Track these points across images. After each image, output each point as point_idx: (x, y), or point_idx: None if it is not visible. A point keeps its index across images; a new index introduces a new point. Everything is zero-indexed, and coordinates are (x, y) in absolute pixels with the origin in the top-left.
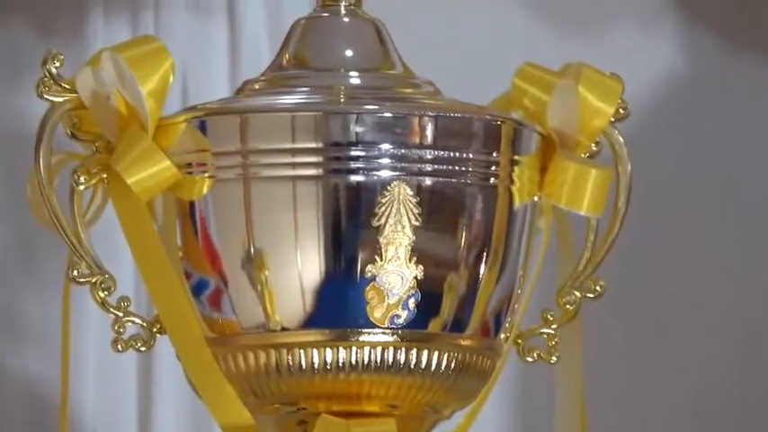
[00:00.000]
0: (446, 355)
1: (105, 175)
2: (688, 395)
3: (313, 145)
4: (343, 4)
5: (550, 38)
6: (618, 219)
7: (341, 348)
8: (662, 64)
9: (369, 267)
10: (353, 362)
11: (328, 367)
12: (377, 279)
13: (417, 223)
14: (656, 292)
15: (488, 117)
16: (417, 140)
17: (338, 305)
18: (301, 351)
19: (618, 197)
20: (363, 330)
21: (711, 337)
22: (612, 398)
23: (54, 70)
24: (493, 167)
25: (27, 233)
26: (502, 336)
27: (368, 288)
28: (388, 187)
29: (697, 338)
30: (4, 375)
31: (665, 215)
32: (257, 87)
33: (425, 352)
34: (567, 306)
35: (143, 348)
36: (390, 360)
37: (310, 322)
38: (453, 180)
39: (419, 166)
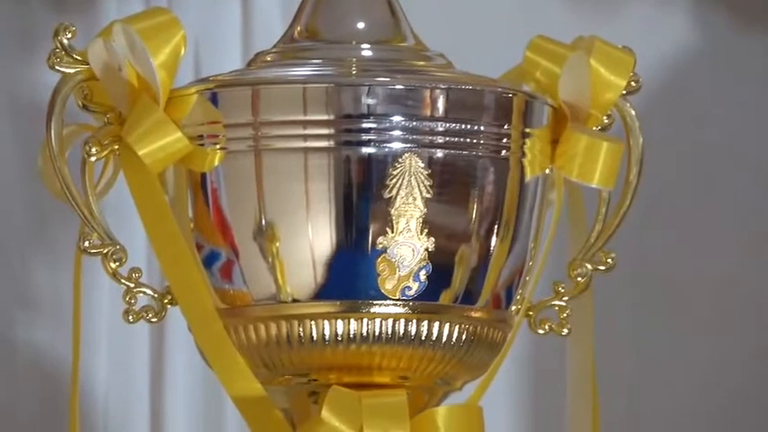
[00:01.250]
0: (457, 326)
1: (116, 147)
2: (698, 373)
3: (324, 117)
4: None
5: (566, 14)
6: (629, 192)
7: (352, 320)
8: (675, 40)
9: (380, 239)
10: (364, 333)
11: (339, 339)
12: (388, 251)
13: (429, 195)
14: (669, 267)
15: (500, 90)
16: (429, 113)
17: (349, 277)
18: (312, 322)
19: (629, 170)
20: (374, 302)
21: (723, 315)
22: (623, 372)
23: (66, 41)
24: (504, 140)
25: (39, 204)
26: (513, 308)
27: (379, 260)
28: (400, 159)
29: (709, 315)
30: (15, 346)
31: (676, 189)
32: (269, 59)
33: (436, 324)
34: (579, 278)
35: (154, 319)
36: (401, 332)
37: (321, 294)
38: (465, 152)
39: (430, 138)
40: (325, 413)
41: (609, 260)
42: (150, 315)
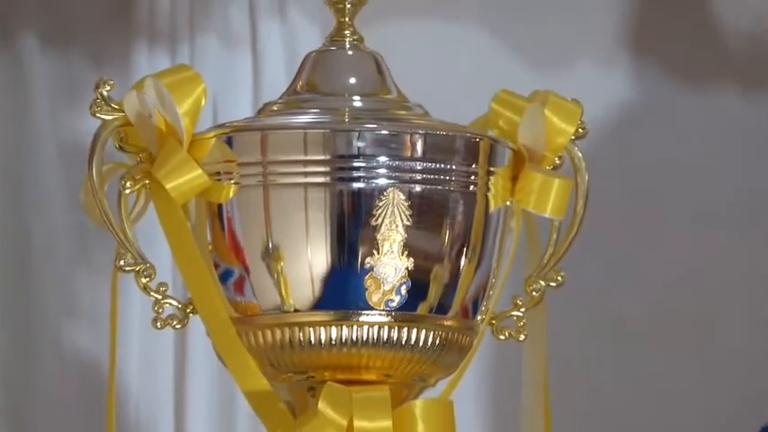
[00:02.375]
0: (432, 333)
1: (147, 182)
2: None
3: (321, 157)
4: (348, 39)
5: (523, 72)
6: (577, 220)
7: (344, 327)
8: (615, 93)
9: (368, 259)
10: (354, 338)
11: (333, 343)
12: (374, 269)
13: (408, 223)
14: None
15: (469, 135)
16: (409, 154)
17: (342, 291)
18: (311, 329)
19: (577, 202)
20: (363, 312)
21: (670, 332)
22: (574, 374)
23: (105, 93)
24: (472, 177)
25: (82, 230)
26: (479, 317)
27: (367, 277)
28: (384, 193)
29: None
30: (62, 349)
31: (614, 219)
32: (275, 108)
33: (414, 330)
34: (534, 293)
35: (178, 326)
36: (385, 337)
37: (318, 305)
38: (439, 187)
39: (410, 175)
40: (321, 405)
41: (559, 278)
42: (175, 322)
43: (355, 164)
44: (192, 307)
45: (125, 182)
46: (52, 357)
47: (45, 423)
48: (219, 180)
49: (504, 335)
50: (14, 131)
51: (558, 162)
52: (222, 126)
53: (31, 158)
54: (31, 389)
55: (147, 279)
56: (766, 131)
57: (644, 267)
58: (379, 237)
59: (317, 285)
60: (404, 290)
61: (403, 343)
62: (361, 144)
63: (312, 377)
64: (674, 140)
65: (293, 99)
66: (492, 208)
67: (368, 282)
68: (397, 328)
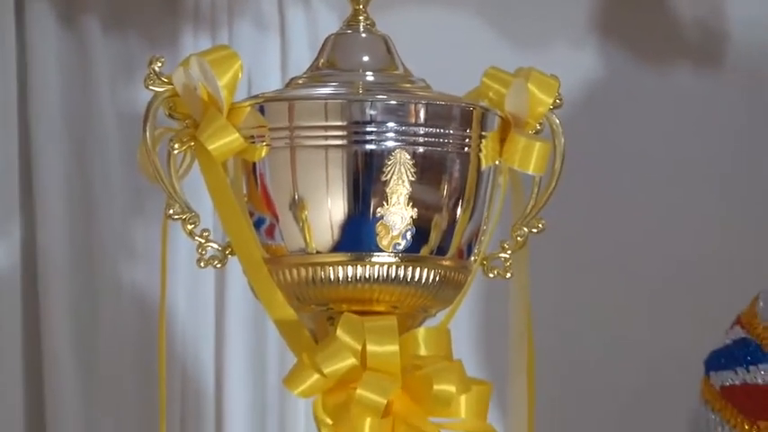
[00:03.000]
0: (432, 271)
1: (192, 144)
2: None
3: (340, 123)
4: (362, 24)
5: (508, 52)
6: (555, 176)
7: (358, 266)
8: (586, 71)
9: (378, 209)
10: (367, 276)
11: (349, 280)
12: (384, 218)
13: (413, 179)
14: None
15: (464, 104)
16: (413, 120)
17: (356, 236)
18: (330, 268)
19: (555, 161)
20: (374, 254)
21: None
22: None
23: (157, 69)
24: (466, 140)
25: (138, 185)
26: (472, 258)
27: (378, 224)
28: (393, 153)
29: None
30: (121, 285)
31: (586, 176)
32: (300, 82)
33: (418, 269)
34: (518, 238)
35: (218, 265)
36: (393, 275)
37: (337, 248)
38: (438, 149)
39: (414, 138)
40: (339, 332)
41: (540, 225)
42: (216, 262)
43: (368, 129)
44: (230, 249)
45: (173, 144)
46: (113, 293)
47: (109, 348)
48: (253, 142)
49: (493, 273)
50: (80, 102)
51: (538, 128)
52: (256, 97)
53: (94, 125)
54: (97, 320)
55: (192, 226)
56: (713, 103)
57: (612, 215)
58: (387, 190)
59: (336, 231)
60: (409, 235)
61: (408, 280)
62: (372, 112)
63: (331, 309)
64: (636, 111)
65: (315, 74)
66: (483, 166)
67: (378, 228)
68: (402, 267)
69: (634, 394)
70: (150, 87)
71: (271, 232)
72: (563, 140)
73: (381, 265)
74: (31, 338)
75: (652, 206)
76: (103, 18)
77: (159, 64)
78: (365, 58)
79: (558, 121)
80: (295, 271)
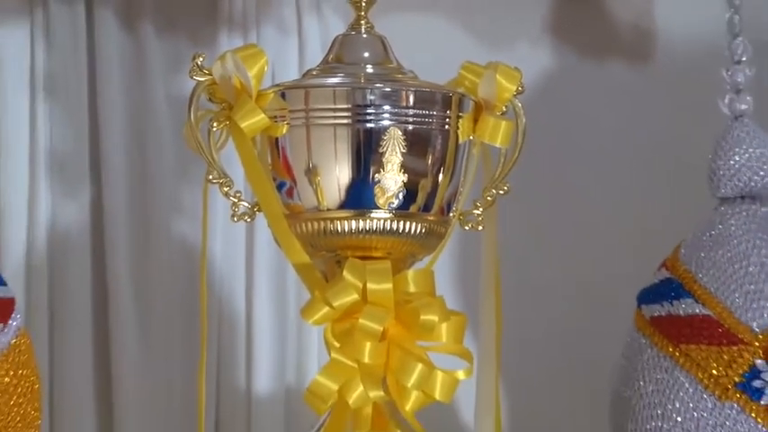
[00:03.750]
0: (419, 225)
1: (228, 123)
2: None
3: (345, 106)
4: (363, 27)
5: (480, 50)
6: (517, 148)
7: (360, 221)
8: (543, 65)
9: (376, 175)
10: (367, 229)
11: (353, 231)
12: (381, 182)
13: (404, 150)
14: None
15: (445, 91)
16: (404, 104)
17: (359, 196)
18: (338, 222)
19: (517, 136)
20: (373, 211)
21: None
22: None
23: (199, 63)
24: (447, 119)
25: (185, 156)
26: (451, 214)
27: (376, 187)
28: (388, 130)
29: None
30: (172, 240)
31: (542, 149)
32: (314, 73)
33: (408, 223)
34: (488, 198)
35: (248, 220)
36: (388, 228)
37: (343, 206)
38: (424, 126)
39: (405, 118)
40: (345, 273)
41: (506, 188)
42: (246, 217)
43: (368, 111)
44: (257, 207)
45: (212, 122)
46: (165, 244)
47: (161, 289)
48: (276, 121)
49: (468, 226)
50: (138, 90)
51: (504, 110)
52: (278, 85)
53: (149, 108)
54: (152, 267)
55: (228, 188)
56: (642, 93)
57: (563, 180)
58: (384, 160)
59: (342, 192)
60: (401, 195)
61: (400, 232)
62: (372, 97)
63: (338, 254)
64: (580, 98)
65: (326, 67)
66: (460, 140)
67: (376, 190)
68: (396, 221)
69: (582, 320)
70: (194, 78)
71: (290, 193)
72: (524, 120)
73: (378, 219)
74: (99, 282)
75: (594, 174)
76: (156, 23)
77: (201, 59)
78: (366, 54)
79: (519, 105)
80: (309, 224)
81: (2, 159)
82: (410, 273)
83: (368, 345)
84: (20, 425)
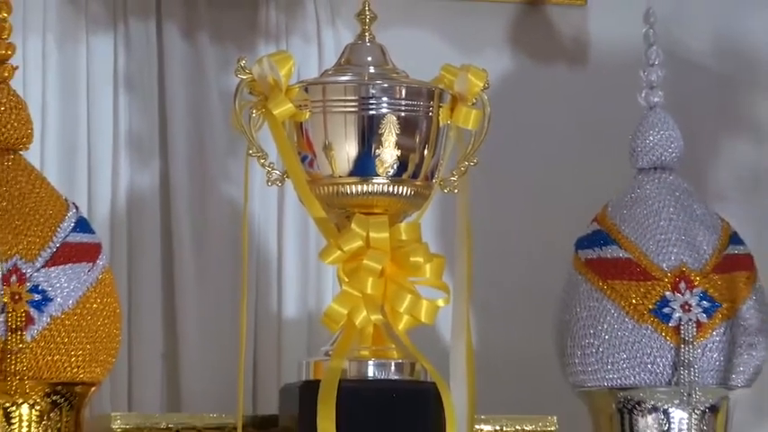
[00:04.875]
0: (409, 188)
1: (264, 110)
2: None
3: (353, 97)
4: (367, 37)
5: (457, 56)
6: (484, 131)
7: (364, 185)
8: (504, 66)
9: (377, 151)
10: (370, 191)
11: (359, 193)
12: (380, 156)
13: (398, 132)
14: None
15: (429, 87)
16: (398, 96)
17: (364, 166)
18: (347, 186)
19: (484, 121)
20: (374, 178)
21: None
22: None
23: (242, 64)
24: (430, 108)
25: (232, 135)
26: (434, 180)
27: (376, 159)
28: (385, 116)
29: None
30: (222, 201)
31: (502, 131)
32: (330, 73)
33: (401, 187)
34: (462, 168)
35: (279, 184)
36: (386, 191)
37: (351, 173)
38: (413, 113)
39: (398, 107)
40: (353, 225)
41: (475, 160)
42: (278, 182)
43: (371, 101)
44: (286, 174)
45: (252, 110)
46: (216, 204)
47: (214, 237)
48: (300, 109)
49: (447, 190)
50: (196, 85)
51: (474, 101)
52: (302, 82)
53: (205, 99)
54: (207, 220)
55: (264, 160)
56: (581, 89)
57: (518, 156)
58: (382, 139)
59: (351, 163)
60: (395, 166)
61: (394, 194)
62: (373, 91)
63: (348, 211)
64: (533, 93)
65: (338, 68)
66: (441, 124)
67: (377, 162)
68: (392, 186)
69: (534, 262)
70: (238, 76)
71: (311, 164)
72: (489, 109)
73: (378, 184)
74: (166, 232)
75: (543, 152)
76: (210, 34)
77: (243, 62)
78: (369, 59)
79: (486, 98)
80: (325, 188)
81: (92, 140)
82: (402, 225)
83: (370, 280)
84: (105, 340)
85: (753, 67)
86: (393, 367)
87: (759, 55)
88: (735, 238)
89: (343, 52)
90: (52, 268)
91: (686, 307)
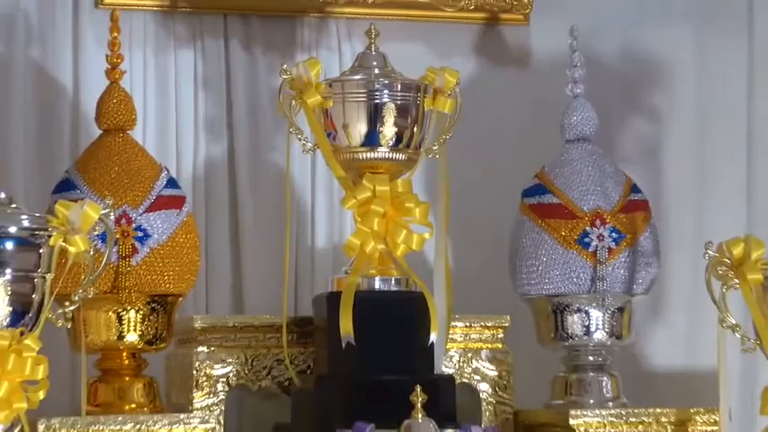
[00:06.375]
0: (404, 155)
1: (300, 100)
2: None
3: (363, 91)
4: (373, 48)
5: (437, 60)
6: (456, 113)
7: (372, 153)
8: (471, 69)
9: (380, 128)
10: (376, 157)
11: (368, 159)
12: (383, 132)
13: (395, 115)
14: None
15: (417, 83)
16: (395, 90)
17: (371, 139)
18: (360, 153)
19: (456, 107)
20: (379, 147)
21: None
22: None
23: (284, 68)
24: (418, 97)
25: (278, 120)
26: (421, 149)
27: (380, 134)
28: (386, 104)
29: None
30: (270, 165)
31: (469, 113)
32: (347, 73)
33: (398, 154)
34: (441, 140)
35: (312, 153)
36: (387, 157)
37: (362, 145)
38: (406, 102)
39: (395, 97)
40: (364, 181)
41: (450, 134)
42: (311, 151)
43: (375, 93)
44: (316, 146)
45: (292, 100)
46: (266, 166)
47: (265, 190)
48: (326, 100)
49: (431, 155)
50: (252, 84)
51: (449, 93)
52: (327, 80)
53: (258, 95)
54: (260, 180)
55: (300, 136)
56: (526, 85)
57: (477, 134)
58: (384, 120)
59: (362, 137)
60: (394, 139)
61: (393, 159)
62: (378, 86)
63: (360, 171)
64: (492, 89)
65: (353, 70)
66: (426, 110)
67: (380, 136)
68: (391, 153)
69: (493, 207)
70: (282, 77)
71: (334, 138)
72: (460, 100)
73: (382, 152)
74: (232, 191)
75: (499, 128)
76: (262, 48)
77: (285, 66)
78: (374, 63)
79: (458, 90)
80: (344, 155)
81: (178, 123)
82: (399, 181)
83: (376, 220)
84: (188, 264)
85: (649, 67)
86: (393, 282)
87: (654, 58)
88: (635, 189)
89: (356, 59)
90: (151, 213)
91: (600, 237)
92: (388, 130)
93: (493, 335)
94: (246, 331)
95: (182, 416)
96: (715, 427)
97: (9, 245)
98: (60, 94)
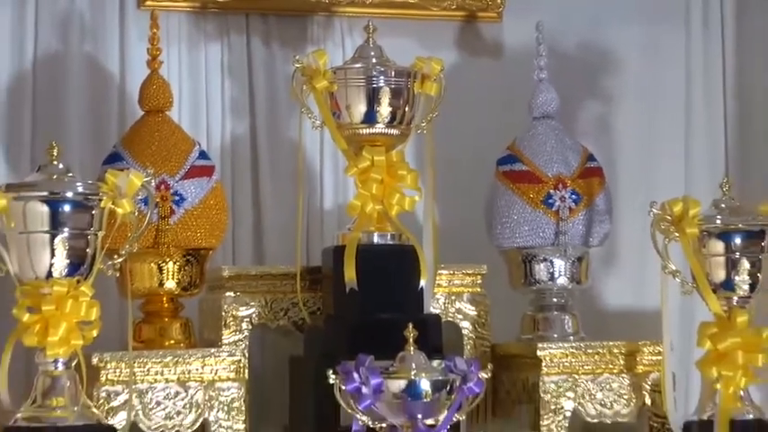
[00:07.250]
0: (397, 130)
1: (310, 84)
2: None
3: (363, 77)
4: (371, 42)
5: (424, 52)
6: (441, 96)
7: (370, 128)
8: (452, 60)
9: (378, 108)
10: (374, 132)
11: (367, 134)
12: (380, 111)
13: (390, 96)
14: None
15: (408, 69)
16: (390, 76)
17: (370, 117)
18: (360, 129)
19: (441, 90)
20: (377, 124)
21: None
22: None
23: (296, 58)
24: (409, 81)
25: (290, 103)
26: (411, 125)
27: (377, 113)
28: (383, 88)
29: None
30: (286, 141)
31: (453, 99)
32: (348, 62)
33: (393, 130)
34: (428, 118)
35: (320, 129)
36: (384, 132)
37: (363, 122)
38: (399, 86)
39: (391, 82)
40: (364, 152)
41: (437, 112)
42: (319, 128)
43: (373, 78)
44: (324, 123)
45: (303, 85)
46: (283, 142)
47: (282, 162)
48: (332, 84)
49: (419, 131)
50: (269, 73)
51: (435, 78)
52: (333, 68)
53: (275, 80)
54: (278, 154)
55: (310, 114)
56: (501, 72)
57: (455, 112)
58: (382, 101)
59: (363, 115)
60: (389, 117)
61: (388, 134)
62: (374, 73)
63: (361, 144)
64: (470, 76)
65: (354, 59)
66: (415, 92)
67: (377, 115)
68: (387, 128)
69: (472, 172)
70: (295, 65)
71: (339, 117)
72: (444, 83)
73: (379, 128)
74: (254, 164)
75: (476, 111)
76: (278, 42)
77: (298, 57)
78: (372, 54)
79: (442, 76)
80: (347, 131)
81: (208, 105)
82: (393, 152)
83: (374, 185)
84: (218, 223)
85: (604, 57)
86: (389, 237)
87: (609, 50)
88: (591, 158)
89: (356, 50)
90: (185, 180)
91: (562, 199)
92: (384, 110)
93: (473, 281)
94: (266, 279)
95: (212, 350)
96: (659, 357)
97: (66, 207)
98: (109, 81)
